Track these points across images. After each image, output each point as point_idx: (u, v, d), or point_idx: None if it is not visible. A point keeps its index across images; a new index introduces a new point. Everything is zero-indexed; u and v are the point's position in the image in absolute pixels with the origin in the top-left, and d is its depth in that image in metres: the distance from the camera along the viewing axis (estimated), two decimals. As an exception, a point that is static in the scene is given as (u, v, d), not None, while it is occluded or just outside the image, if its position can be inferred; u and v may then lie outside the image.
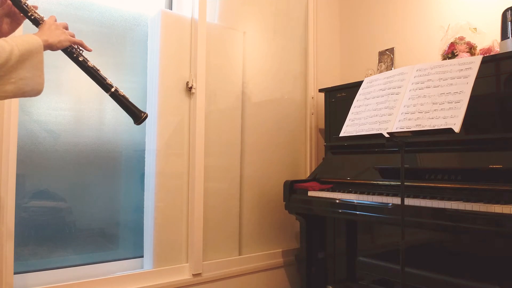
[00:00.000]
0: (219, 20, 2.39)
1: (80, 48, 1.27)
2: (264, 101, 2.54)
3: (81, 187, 1.98)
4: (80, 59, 1.25)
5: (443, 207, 1.53)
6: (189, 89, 2.18)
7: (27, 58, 1.05)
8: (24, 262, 1.77)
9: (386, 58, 2.55)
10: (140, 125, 1.33)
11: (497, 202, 1.44)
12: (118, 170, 2.10)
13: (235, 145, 2.39)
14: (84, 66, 1.26)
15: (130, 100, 1.31)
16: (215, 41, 2.30)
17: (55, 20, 1.21)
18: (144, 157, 2.11)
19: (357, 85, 1.82)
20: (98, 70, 1.28)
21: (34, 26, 1.22)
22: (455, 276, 1.54)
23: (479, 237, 1.75)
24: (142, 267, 2.09)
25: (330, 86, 2.54)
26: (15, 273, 1.64)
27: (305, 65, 2.79)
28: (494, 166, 1.56)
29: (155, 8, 2.18)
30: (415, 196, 1.68)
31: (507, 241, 1.65)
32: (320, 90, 2.57)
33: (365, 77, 1.87)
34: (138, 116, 1.30)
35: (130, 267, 2.06)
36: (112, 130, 2.06)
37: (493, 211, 1.40)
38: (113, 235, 2.09)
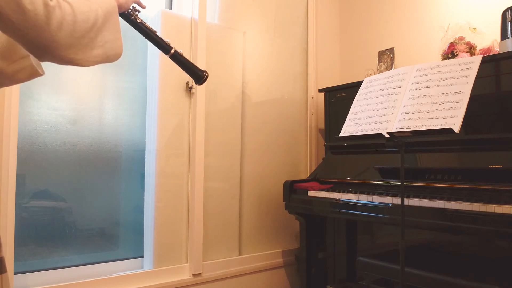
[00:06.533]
0: (219, 20, 2.39)
1: (136, 9, 1.18)
2: (264, 101, 2.54)
3: (81, 187, 1.97)
4: (138, 21, 1.18)
5: (443, 207, 1.53)
6: (189, 89, 2.18)
7: (109, 19, 0.96)
8: (24, 262, 1.77)
9: (386, 58, 2.55)
10: (201, 85, 1.31)
11: (497, 202, 1.44)
12: (118, 170, 2.10)
13: (235, 145, 2.39)
14: (142, 28, 1.19)
15: (189, 60, 1.28)
16: (215, 41, 2.30)
17: None
18: (144, 157, 2.11)
19: (357, 85, 1.82)
20: (155, 31, 1.21)
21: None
22: (455, 276, 1.54)
23: (479, 237, 1.75)
24: (142, 267, 2.09)
25: (330, 86, 2.54)
26: (15, 273, 1.65)
27: (305, 65, 2.79)
28: (494, 166, 1.56)
29: (155, 8, 2.18)
30: (415, 196, 1.68)
31: (507, 241, 1.65)
32: (320, 90, 2.57)
33: (365, 77, 1.87)
34: (200, 76, 1.26)
35: (130, 267, 2.06)
36: (112, 130, 2.06)
37: (493, 211, 1.40)
38: (113, 235, 2.09)
